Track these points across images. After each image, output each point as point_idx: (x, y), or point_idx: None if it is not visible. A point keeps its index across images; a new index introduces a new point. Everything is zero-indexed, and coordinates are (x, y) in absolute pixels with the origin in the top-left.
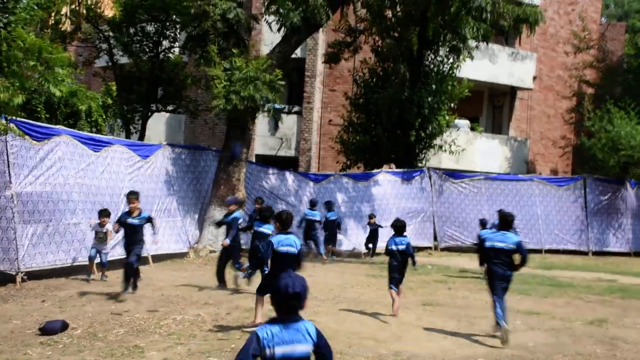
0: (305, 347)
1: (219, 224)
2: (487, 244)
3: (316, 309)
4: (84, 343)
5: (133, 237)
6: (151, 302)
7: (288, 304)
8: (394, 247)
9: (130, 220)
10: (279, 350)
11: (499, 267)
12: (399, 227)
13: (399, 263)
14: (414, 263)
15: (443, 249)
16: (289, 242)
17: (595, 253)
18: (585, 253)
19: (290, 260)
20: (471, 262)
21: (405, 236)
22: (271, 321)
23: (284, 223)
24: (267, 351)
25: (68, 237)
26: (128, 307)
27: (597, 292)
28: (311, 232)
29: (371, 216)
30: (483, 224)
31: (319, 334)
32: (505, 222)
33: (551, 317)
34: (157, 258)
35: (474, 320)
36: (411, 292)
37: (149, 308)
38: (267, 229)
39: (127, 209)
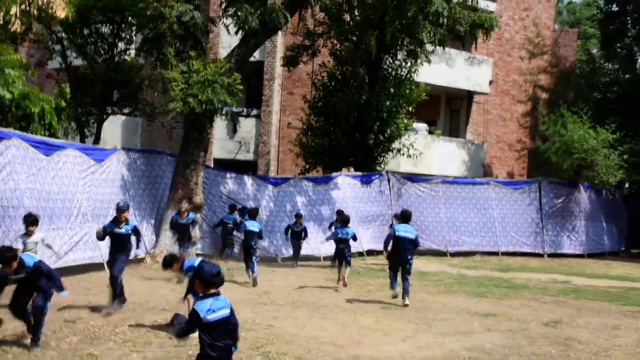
0: (228, 311)
1: (176, 227)
2: (397, 233)
3: (275, 314)
4: (35, 352)
5: (119, 247)
6: (106, 309)
7: (214, 282)
8: (340, 236)
9: (117, 230)
10: (214, 315)
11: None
12: (344, 220)
13: (346, 248)
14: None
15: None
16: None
17: (550, 255)
18: (540, 255)
19: None
20: (429, 264)
21: (349, 227)
22: (203, 297)
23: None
24: (208, 318)
25: (19, 244)
26: (82, 315)
27: (552, 294)
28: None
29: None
30: (397, 217)
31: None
32: (406, 217)
33: (507, 318)
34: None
35: (432, 322)
36: (370, 295)
37: (104, 315)
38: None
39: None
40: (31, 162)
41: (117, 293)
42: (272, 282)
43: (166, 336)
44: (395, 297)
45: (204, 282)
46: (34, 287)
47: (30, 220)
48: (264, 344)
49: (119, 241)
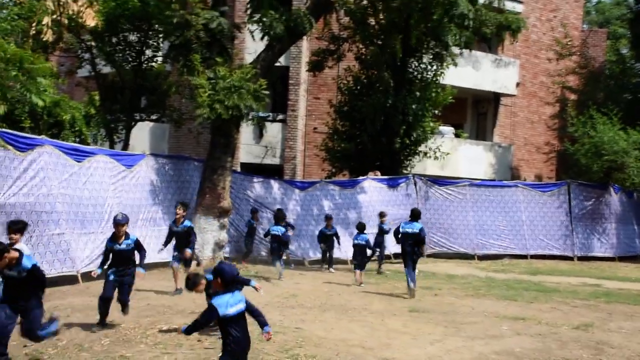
0: (243, 306)
1: (171, 235)
2: (401, 230)
3: (303, 317)
4: (69, 354)
5: (121, 263)
6: (137, 311)
7: (233, 280)
8: (355, 242)
9: (117, 247)
10: (234, 309)
11: (409, 246)
12: (359, 227)
13: (359, 253)
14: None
15: (429, 255)
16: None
17: (580, 258)
18: (570, 258)
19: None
20: (457, 268)
21: (365, 234)
22: (220, 293)
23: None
24: (229, 312)
25: (52, 247)
26: (113, 317)
27: (583, 297)
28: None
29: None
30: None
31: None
32: (414, 215)
33: (537, 322)
34: (146, 267)
35: (460, 326)
36: (398, 299)
37: (136, 318)
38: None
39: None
40: (63, 168)
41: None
42: (300, 285)
43: (196, 338)
44: (411, 295)
45: (224, 281)
46: (23, 290)
47: (16, 228)
48: (293, 346)
49: (120, 258)
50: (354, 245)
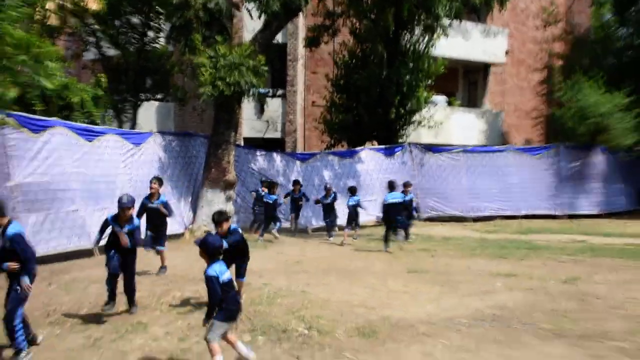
0: (229, 274)
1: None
2: (386, 202)
3: (308, 281)
4: (90, 321)
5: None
6: (151, 280)
7: (219, 251)
8: (348, 203)
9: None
10: (226, 276)
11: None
12: (351, 190)
13: (353, 213)
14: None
15: (425, 219)
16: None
17: (569, 216)
18: (559, 217)
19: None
20: (452, 230)
21: (357, 196)
22: (212, 263)
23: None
24: (223, 278)
25: (69, 223)
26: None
27: (570, 253)
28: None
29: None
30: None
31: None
32: (391, 187)
33: (528, 278)
34: None
35: (456, 285)
36: (397, 261)
37: (150, 286)
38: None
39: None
40: (75, 147)
41: (133, 300)
42: (305, 252)
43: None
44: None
45: (207, 252)
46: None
47: None
48: (299, 308)
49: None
50: (348, 207)
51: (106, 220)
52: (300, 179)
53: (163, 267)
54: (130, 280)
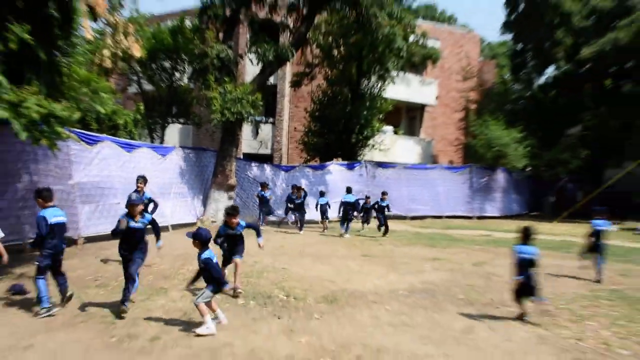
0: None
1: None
2: (342, 200)
3: (288, 261)
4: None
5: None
6: (172, 257)
7: (209, 240)
8: (320, 202)
9: (132, 225)
10: (216, 259)
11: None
12: (321, 193)
13: (323, 210)
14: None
15: (375, 217)
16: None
17: (479, 217)
18: (471, 217)
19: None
20: (395, 226)
21: (324, 197)
22: (204, 250)
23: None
24: (215, 260)
25: (112, 212)
26: (155, 261)
27: (479, 244)
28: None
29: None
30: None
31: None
32: (348, 190)
33: (449, 261)
34: (175, 227)
35: (397, 266)
36: (355, 248)
37: (171, 261)
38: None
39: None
40: (118, 157)
41: (127, 295)
42: (286, 239)
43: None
44: (341, 236)
45: (201, 241)
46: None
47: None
48: (280, 281)
49: (133, 236)
50: (320, 205)
51: (119, 220)
52: (284, 185)
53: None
54: (134, 267)
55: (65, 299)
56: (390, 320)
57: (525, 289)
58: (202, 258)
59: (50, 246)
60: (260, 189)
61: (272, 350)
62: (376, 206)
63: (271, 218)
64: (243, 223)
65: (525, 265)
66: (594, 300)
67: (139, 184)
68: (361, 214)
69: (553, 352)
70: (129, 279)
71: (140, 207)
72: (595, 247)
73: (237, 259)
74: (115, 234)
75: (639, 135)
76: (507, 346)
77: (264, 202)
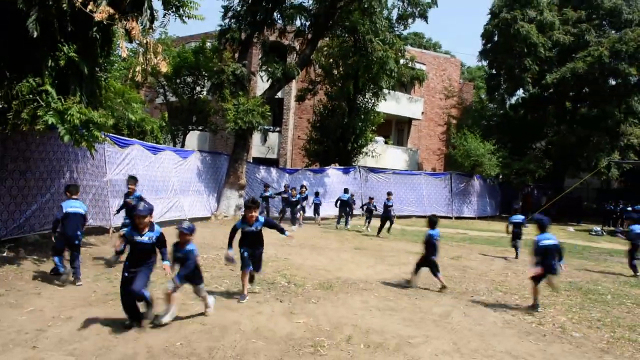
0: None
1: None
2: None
3: (289, 252)
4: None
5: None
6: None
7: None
8: (316, 202)
9: (137, 239)
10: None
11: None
12: (316, 194)
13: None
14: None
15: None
16: None
17: (457, 217)
18: (450, 217)
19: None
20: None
21: (319, 197)
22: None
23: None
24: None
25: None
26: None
27: (456, 240)
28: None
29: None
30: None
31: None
32: (345, 190)
33: None
34: (192, 220)
35: (385, 258)
36: (348, 242)
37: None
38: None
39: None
40: (146, 158)
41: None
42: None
43: (224, 264)
44: (337, 228)
45: (193, 235)
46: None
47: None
48: (282, 269)
49: (139, 251)
50: (312, 204)
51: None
52: (290, 185)
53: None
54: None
55: (76, 281)
56: (378, 305)
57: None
58: (189, 250)
59: (61, 231)
60: (289, 191)
61: (274, 328)
62: (368, 206)
63: (276, 214)
64: (262, 219)
65: (433, 245)
66: (553, 291)
67: (129, 185)
68: (365, 213)
69: (517, 333)
70: (137, 299)
71: (149, 220)
72: (516, 235)
73: (254, 273)
74: (54, 223)
75: (592, 150)
76: (478, 329)
77: (293, 204)
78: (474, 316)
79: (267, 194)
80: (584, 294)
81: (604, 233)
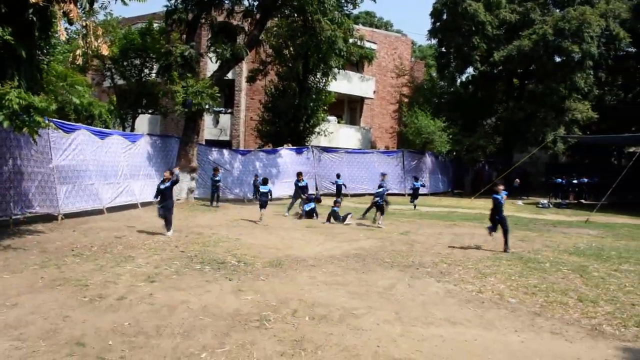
0: None
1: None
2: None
3: (240, 232)
4: (99, 254)
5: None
6: (138, 230)
7: None
8: (262, 190)
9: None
10: None
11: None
12: (264, 181)
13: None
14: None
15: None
16: None
17: (409, 194)
18: (403, 195)
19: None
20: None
21: (267, 185)
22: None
23: None
24: None
25: (87, 192)
26: (125, 234)
27: (407, 216)
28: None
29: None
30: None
31: None
32: (299, 175)
33: (380, 231)
34: (144, 204)
35: (335, 235)
36: (301, 221)
37: (138, 234)
38: (265, 188)
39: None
40: (93, 143)
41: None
42: (241, 214)
43: (174, 245)
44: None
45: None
46: None
47: None
48: (233, 249)
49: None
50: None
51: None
52: (241, 167)
53: None
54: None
55: None
56: (325, 280)
57: None
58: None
59: None
60: (297, 178)
61: (222, 305)
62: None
63: (229, 196)
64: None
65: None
66: (496, 261)
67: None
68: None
69: (457, 302)
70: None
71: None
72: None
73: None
74: None
75: (539, 125)
76: (420, 299)
77: (302, 189)
78: (418, 287)
79: (217, 178)
80: (524, 263)
81: (551, 206)
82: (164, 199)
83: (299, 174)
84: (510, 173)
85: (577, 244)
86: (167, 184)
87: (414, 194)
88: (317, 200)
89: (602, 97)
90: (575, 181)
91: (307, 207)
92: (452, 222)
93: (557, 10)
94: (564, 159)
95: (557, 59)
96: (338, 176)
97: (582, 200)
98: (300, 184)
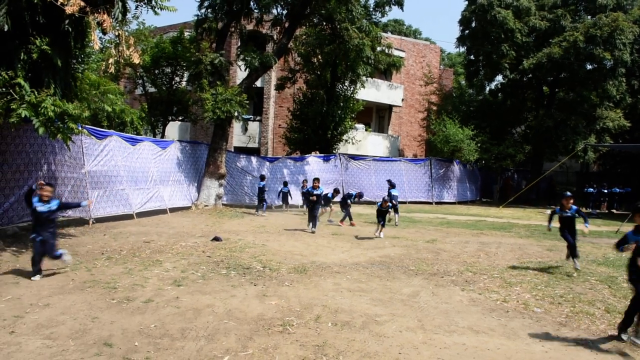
0: None
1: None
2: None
3: (267, 238)
4: (128, 258)
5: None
6: (168, 235)
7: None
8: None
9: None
10: None
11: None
12: (284, 183)
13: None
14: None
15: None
16: None
17: (437, 203)
18: (431, 203)
19: None
20: (364, 209)
21: (287, 187)
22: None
23: None
24: None
25: (118, 197)
26: (153, 239)
27: (434, 225)
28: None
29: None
30: (391, 184)
31: None
32: (390, 183)
33: (406, 239)
34: (172, 210)
35: (361, 242)
36: (326, 228)
37: (166, 238)
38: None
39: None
40: (124, 149)
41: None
42: (268, 220)
43: (201, 250)
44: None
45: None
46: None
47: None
48: (259, 255)
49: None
50: (280, 192)
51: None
52: (269, 174)
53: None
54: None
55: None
56: (349, 287)
57: None
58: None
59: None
60: (311, 185)
61: (246, 310)
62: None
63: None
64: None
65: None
66: (522, 271)
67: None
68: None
69: (481, 310)
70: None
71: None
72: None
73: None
74: None
75: (569, 133)
76: (444, 307)
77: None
78: (442, 295)
79: (262, 184)
80: (551, 274)
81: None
82: (41, 225)
83: (315, 180)
84: (539, 182)
85: (606, 255)
86: (51, 206)
87: (395, 207)
88: (359, 195)
89: (634, 105)
90: (605, 190)
91: (318, 191)
92: (480, 230)
93: (589, 17)
94: (595, 168)
95: (589, 67)
96: (392, 185)
97: (614, 210)
98: (316, 192)
